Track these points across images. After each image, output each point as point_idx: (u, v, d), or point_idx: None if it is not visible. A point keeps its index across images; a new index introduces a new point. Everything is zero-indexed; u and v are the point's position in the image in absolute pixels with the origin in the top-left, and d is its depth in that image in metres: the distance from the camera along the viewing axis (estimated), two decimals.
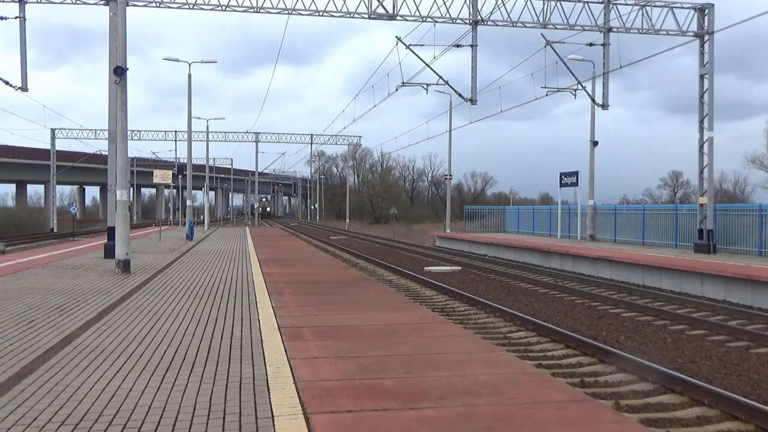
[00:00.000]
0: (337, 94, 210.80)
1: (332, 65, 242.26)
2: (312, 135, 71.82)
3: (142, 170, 73.99)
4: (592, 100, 28.62)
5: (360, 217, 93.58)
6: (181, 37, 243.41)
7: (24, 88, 20.74)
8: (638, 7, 23.80)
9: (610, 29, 24.52)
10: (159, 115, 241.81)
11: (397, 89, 28.65)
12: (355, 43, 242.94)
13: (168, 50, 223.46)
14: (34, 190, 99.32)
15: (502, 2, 23.00)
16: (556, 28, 23.96)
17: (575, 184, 32.09)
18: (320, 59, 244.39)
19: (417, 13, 22.87)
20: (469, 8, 23.37)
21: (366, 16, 22.93)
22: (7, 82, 20.58)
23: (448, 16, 23.19)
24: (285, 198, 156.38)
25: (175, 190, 61.57)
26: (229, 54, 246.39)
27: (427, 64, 25.93)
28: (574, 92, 27.72)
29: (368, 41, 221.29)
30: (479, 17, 23.34)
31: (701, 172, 23.34)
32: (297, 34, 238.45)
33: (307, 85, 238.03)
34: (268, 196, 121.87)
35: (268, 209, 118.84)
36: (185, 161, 40.01)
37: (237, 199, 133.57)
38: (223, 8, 22.28)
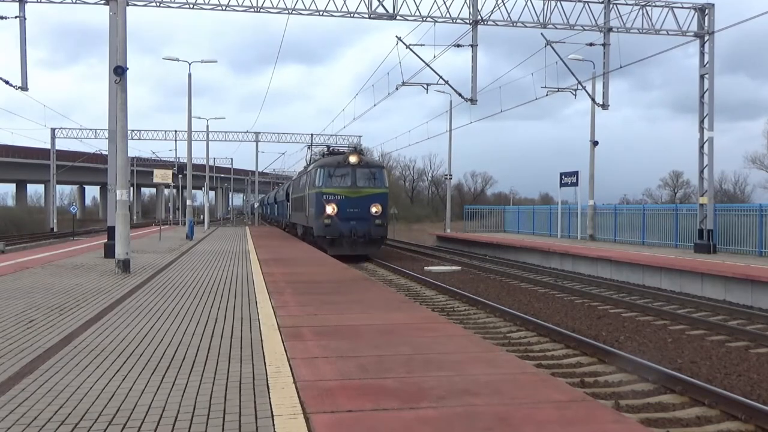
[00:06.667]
0: (346, 93, 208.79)
1: (344, 64, 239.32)
2: (312, 135, 71.69)
3: (142, 170, 73.87)
4: (592, 100, 28.60)
5: None
6: (194, 37, 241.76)
7: (24, 88, 20.69)
8: (638, 7, 23.79)
9: (610, 29, 24.51)
10: (167, 115, 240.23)
11: (397, 88, 28.59)
12: (368, 42, 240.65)
13: (181, 50, 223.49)
14: (34, 190, 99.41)
15: (502, 2, 23.00)
16: (556, 28, 23.95)
17: (575, 184, 32.07)
18: (332, 58, 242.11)
19: (417, 13, 22.84)
20: (469, 8, 23.36)
21: (366, 15, 22.91)
22: (7, 82, 20.53)
23: (448, 15, 23.17)
24: None
25: (175, 190, 61.57)
26: (242, 53, 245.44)
27: (427, 64, 25.91)
28: (574, 92, 27.70)
29: (381, 41, 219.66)
30: (479, 17, 23.33)
31: (701, 172, 23.33)
32: (310, 33, 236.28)
33: (318, 84, 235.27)
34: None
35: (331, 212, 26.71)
36: (185, 161, 39.99)
37: (237, 199, 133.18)
38: (223, 8, 22.24)
